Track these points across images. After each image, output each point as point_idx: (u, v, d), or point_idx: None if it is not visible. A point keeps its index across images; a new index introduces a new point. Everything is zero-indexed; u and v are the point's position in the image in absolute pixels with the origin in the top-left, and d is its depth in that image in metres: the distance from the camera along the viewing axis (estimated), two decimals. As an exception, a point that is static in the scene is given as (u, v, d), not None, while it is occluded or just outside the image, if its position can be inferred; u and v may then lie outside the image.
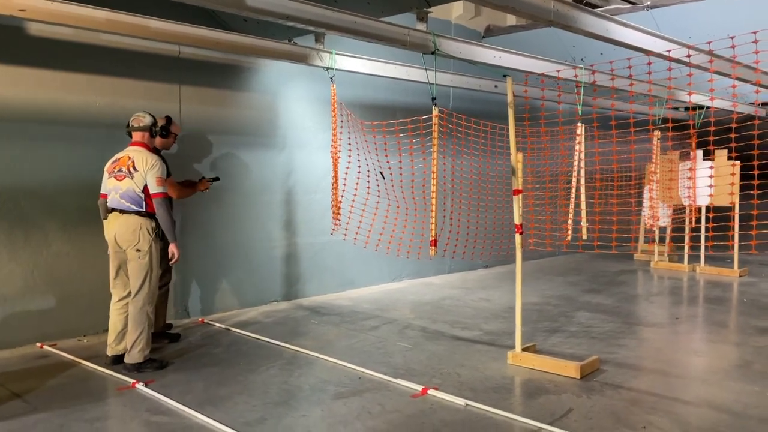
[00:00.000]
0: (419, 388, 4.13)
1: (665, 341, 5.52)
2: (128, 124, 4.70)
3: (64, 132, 5.28)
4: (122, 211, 4.50)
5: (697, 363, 4.91)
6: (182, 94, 5.99)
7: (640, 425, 3.58)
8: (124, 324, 4.60)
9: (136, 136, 4.66)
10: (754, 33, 5.07)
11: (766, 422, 3.65)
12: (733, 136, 5.89)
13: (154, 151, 5.20)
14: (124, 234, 4.47)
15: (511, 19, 9.05)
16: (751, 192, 5.96)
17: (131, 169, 4.50)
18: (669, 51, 5.30)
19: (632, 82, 6.87)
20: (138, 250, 4.46)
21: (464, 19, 8.59)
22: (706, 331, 5.87)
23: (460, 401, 3.91)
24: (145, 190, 4.50)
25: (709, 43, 5.68)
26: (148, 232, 4.49)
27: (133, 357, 4.47)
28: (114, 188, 4.52)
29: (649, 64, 6.21)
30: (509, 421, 3.65)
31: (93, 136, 5.41)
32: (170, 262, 4.77)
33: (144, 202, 4.50)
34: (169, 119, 5.34)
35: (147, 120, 4.67)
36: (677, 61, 5.28)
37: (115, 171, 4.55)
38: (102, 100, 5.48)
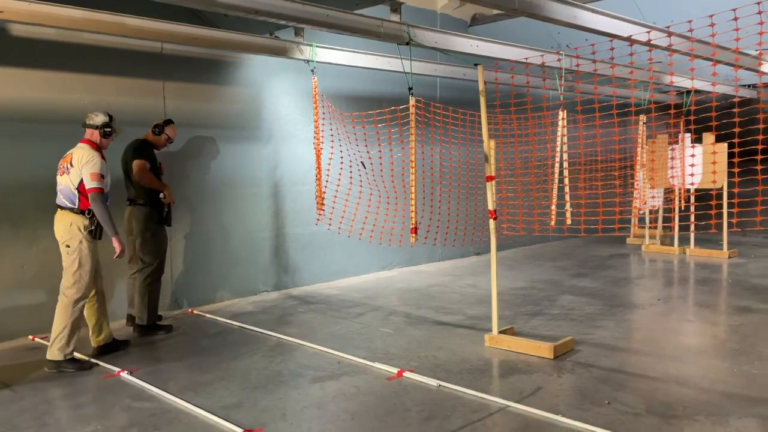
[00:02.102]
0: (395, 371, 4.25)
1: (644, 322, 5.60)
2: (84, 121, 4.72)
3: (50, 130, 5.40)
4: (61, 208, 4.56)
5: (672, 342, 4.99)
6: (166, 90, 6.10)
7: (605, 401, 3.68)
8: (98, 316, 4.73)
9: (86, 133, 4.69)
10: (734, 10, 5.09)
11: (730, 397, 3.74)
12: (721, 115, 5.92)
13: (143, 142, 5.35)
14: (58, 229, 4.54)
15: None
16: (753, 172, 5.84)
17: (69, 166, 4.54)
18: (639, 34, 5.34)
19: (613, 65, 6.92)
20: (67, 246, 4.48)
21: (450, 8, 8.64)
22: (687, 312, 5.95)
23: (434, 382, 4.03)
24: (80, 186, 4.49)
25: (689, 22, 5.71)
26: (79, 230, 4.47)
27: (52, 354, 4.41)
28: (58, 184, 4.59)
29: (631, 45, 6.24)
30: (478, 399, 3.76)
31: (79, 134, 5.50)
32: (114, 257, 4.65)
33: (78, 199, 4.49)
34: (168, 121, 5.53)
35: (98, 119, 4.67)
36: (644, 44, 5.33)
37: (61, 167, 4.62)
38: (88, 97, 5.59)
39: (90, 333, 4.78)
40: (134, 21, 4.97)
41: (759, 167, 5.42)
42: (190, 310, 6.20)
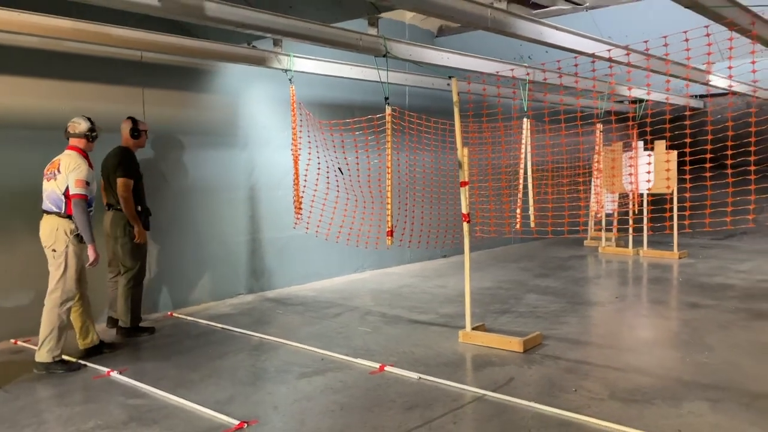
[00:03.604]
0: (377, 365, 4.51)
1: (604, 318, 6.01)
2: (65, 129, 4.81)
3: (30, 136, 5.47)
4: (47, 212, 4.67)
5: (630, 335, 5.40)
6: (146, 97, 6.22)
7: (572, 389, 4.02)
8: (83, 319, 4.84)
9: (72, 141, 4.80)
10: (685, 32, 5.56)
11: (683, 383, 4.13)
12: (673, 126, 6.39)
13: (126, 152, 5.45)
14: (44, 234, 4.65)
15: (462, 19, 9.45)
16: (703, 179, 6.31)
17: (56, 172, 4.66)
18: (604, 50, 5.76)
19: (577, 79, 7.35)
20: (54, 250, 4.60)
21: (418, 19, 8.97)
22: (643, 308, 6.40)
23: (414, 375, 4.30)
24: (66, 192, 4.59)
25: (646, 41, 6.18)
26: (65, 234, 4.58)
27: (41, 356, 4.50)
28: (44, 190, 4.71)
29: (593, 62, 6.69)
30: (457, 390, 4.05)
31: (59, 140, 5.58)
32: (87, 265, 4.71)
33: (64, 204, 4.60)
34: (134, 120, 5.56)
35: (82, 126, 4.77)
36: (599, 57, 5.76)
37: (47, 173, 4.73)
38: (68, 104, 5.68)
39: (77, 336, 4.88)
40: (119, 31, 5.10)
41: (708, 174, 5.89)
42: (169, 313, 6.32)
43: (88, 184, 4.65)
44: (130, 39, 5.17)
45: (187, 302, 6.60)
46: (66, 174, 4.61)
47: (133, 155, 5.52)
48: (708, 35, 4.66)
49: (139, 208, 5.46)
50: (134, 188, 5.38)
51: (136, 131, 5.51)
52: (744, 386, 4.01)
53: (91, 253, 4.66)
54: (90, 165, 4.76)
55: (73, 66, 5.70)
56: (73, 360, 4.72)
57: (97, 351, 4.94)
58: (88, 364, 4.71)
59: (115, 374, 4.46)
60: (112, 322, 5.66)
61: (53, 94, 5.60)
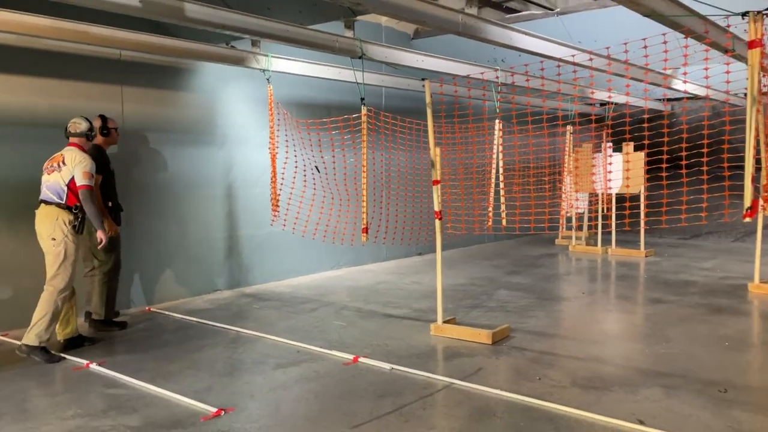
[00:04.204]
0: (351, 357, 4.67)
1: (570, 312, 6.25)
2: (66, 128, 5.02)
3: (7, 132, 5.52)
4: (46, 203, 4.84)
5: (594, 329, 5.64)
6: (124, 95, 6.30)
7: (537, 377, 4.23)
8: (66, 309, 4.94)
9: (73, 139, 5.02)
10: (644, 39, 5.83)
11: (641, 371, 4.36)
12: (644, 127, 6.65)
13: (95, 149, 5.53)
14: (43, 223, 4.80)
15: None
16: (678, 176, 6.52)
17: (60, 164, 4.86)
18: (569, 55, 6.00)
19: (543, 83, 7.61)
20: (53, 239, 4.76)
21: (394, 22, 9.13)
22: (607, 303, 6.65)
23: (387, 366, 4.47)
24: (70, 183, 4.81)
25: (608, 48, 6.44)
26: (64, 224, 4.77)
27: (29, 338, 4.64)
28: (44, 182, 4.90)
29: (558, 67, 6.94)
30: (427, 379, 4.23)
31: (36, 136, 5.67)
32: (98, 246, 5.03)
33: (66, 195, 4.81)
34: (103, 118, 5.60)
35: (83, 126, 5.01)
36: (567, 62, 6.00)
37: (48, 167, 4.93)
38: (45, 101, 5.74)
39: (57, 325, 4.96)
40: (98, 30, 5.18)
41: (684, 171, 6.10)
42: (147, 308, 6.41)
43: (92, 176, 4.89)
44: (109, 37, 5.25)
45: (164, 298, 6.68)
46: (72, 166, 4.83)
47: (103, 152, 5.59)
48: (666, 42, 4.91)
49: (110, 204, 5.54)
50: (104, 184, 5.47)
51: (106, 129, 5.60)
52: (697, 375, 4.25)
53: (102, 237, 4.93)
54: (92, 160, 4.98)
55: (51, 63, 5.76)
56: (54, 352, 4.80)
57: (78, 343, 5.02)
58: (68, 356, 4.79)
59: (94, 366, 4.55)
60: (89, 316, 5.73)
61: (28, 91, 5.65)
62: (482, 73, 6.41)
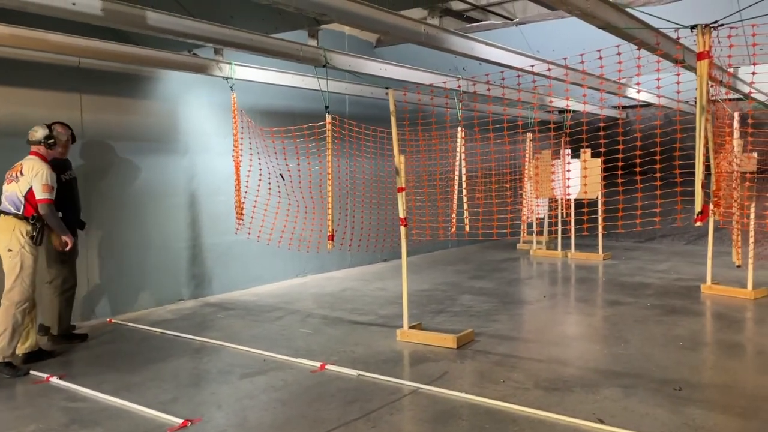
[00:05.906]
0: (318, 364, 4.69)
1: (532, 316, 6.39)
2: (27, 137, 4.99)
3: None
4: (5, 213, 4.77)
5: (555, 331, 5.78)
6: (83, 103, 6.20)
7: (501, 380, 4.32)
8: (26, 323, 4.82)
9: (33, 147, 4.97)
10: (599, 51, 6.03)
11: (600, 372, 4.50)
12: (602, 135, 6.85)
13: (53, 160, 5.41)
14: (1, 235, 4.72)
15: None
16: (633, 182, 6.72)
17: (18, 174, 4.81)
18: (533, 65, 6.16)
19: (504, 92, 7.77)
20: (9, 250, 4.69)
21: (357, 30, 9.20)
22: (568, 306, 6.82)
23: (354, 372, 4.50)
24: (28, 195, 4.75)
25: (565, 58, 6.62)
26: (22, 234, 4.71)
27: None
28: (4, 191, 4.85)
29: (519, 76, 7.09)
30: (394, 384, 4.28)
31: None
32: (65, 249, 4.99)
33: (23, 206, 4.74)
34: (49, 128, 5.18)
35: (39, 134, 4.96)
36: (527, 71, 6.16)
37: (9, 176, 4.87)
38: (2, 110, 5.61)
39: (16, 340, 4.84)
40: (56, 37, 5.10)
41: (638, 177, 6.32)
42: (108, 320, 6.29)
43: (52, 188, 4.81)
44: (68, 45, 5.17)
45: (126, 308, 6.58)
46: (30, 178, 4.74)
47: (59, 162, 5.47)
48: (620, 53, 5.11)
49: (60, 215, 5.39)
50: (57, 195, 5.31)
51: (51, 139, 5.47)
52: (654, 374, 4.41)
53: (68, 240, 4.93)
54: (51, 170, 4.89)
55: (7, 71, 5.63)
56: (20, 366, 4.71)
57: (38, 357, 4.91)
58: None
59: (54, 380, 4.46)
60: (44, 329, 5.59)
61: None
62: (444, 82, 6.52)
